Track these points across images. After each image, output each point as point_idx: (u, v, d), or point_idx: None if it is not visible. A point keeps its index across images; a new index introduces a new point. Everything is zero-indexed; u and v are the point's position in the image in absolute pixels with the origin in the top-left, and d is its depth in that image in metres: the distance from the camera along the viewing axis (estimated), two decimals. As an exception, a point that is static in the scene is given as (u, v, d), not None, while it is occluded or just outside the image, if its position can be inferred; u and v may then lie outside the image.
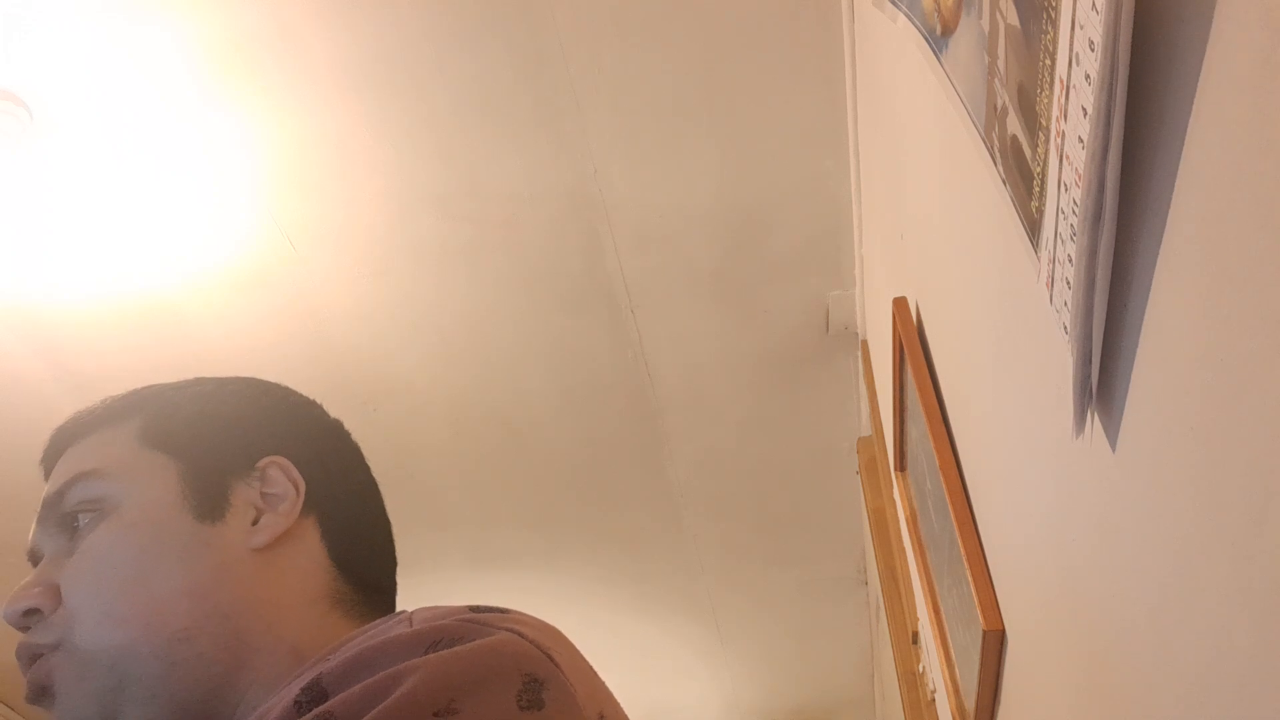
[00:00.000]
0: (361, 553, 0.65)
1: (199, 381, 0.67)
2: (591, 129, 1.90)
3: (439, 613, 0.50)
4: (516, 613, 0.52)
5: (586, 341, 2.31)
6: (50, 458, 0.64)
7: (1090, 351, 0.53)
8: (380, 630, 0.52)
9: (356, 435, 0.70)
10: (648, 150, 1.94)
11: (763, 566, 3.10)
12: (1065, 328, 0.56)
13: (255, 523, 0.60)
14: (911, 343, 1.30)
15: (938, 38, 0.83)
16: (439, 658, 0.44)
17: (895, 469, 1.68)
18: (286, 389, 0.69)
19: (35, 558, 0.61)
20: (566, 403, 2.45)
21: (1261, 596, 0.41)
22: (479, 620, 0.48)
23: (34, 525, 0.60)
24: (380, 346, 2.27)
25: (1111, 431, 0.56)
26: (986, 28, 0.66)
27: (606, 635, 3.31)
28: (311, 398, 0.69)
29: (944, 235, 1.06)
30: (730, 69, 1.82)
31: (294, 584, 0.60)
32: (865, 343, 2.24)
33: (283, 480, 0.62)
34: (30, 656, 0.56)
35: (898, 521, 1.82)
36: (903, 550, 1.84)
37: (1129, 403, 0.53)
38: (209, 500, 0.59)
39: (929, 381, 1.23)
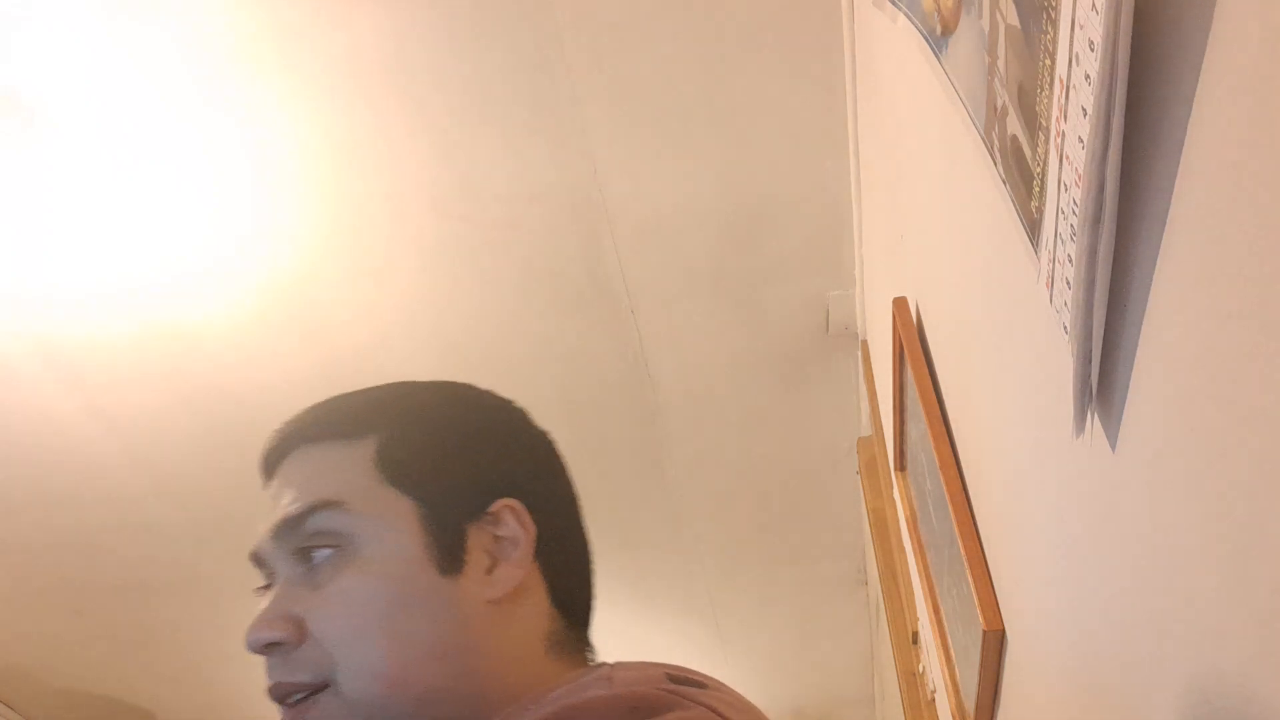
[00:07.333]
0: (579, 592, 0.66)
1: (425, 394, 0.65)
2: (591, 129, 1.90)
3: (638, 676, 0.51)
4: (715, 686, 0.53)
5: (586, 341, 2.31)
6: (275, 456, 0.62)
7: (1090, 351, 0.53)
8: (580, 686, 0.53)
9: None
10: (648, 150, 1.94)
11: (763, 566, 3.10)
12: (1065, 328, 0.56)
13: (490, 571, 0.59)
14: (911, 343, 1.30)
15: (938, 38, 0.83)
16: None
17: (895, 469, 1.68)
18: (502, 403, 0.67)
19: (261, 564, 0.60)
20: (566, 402, 2.45)
21: (1261, 596, 0.41)
22: (678, 692, 0.49)
23: (267, 534, 0.59)
24: (380, 346, 2.27)
25: (1111, 431, 0.56)
26: (986, 28, 0.66)
27: (606, 635, 3.30)
28: (516, 405, 0.68)
29: (944, 235, 1.06)
30: (730, 69, 1.82)
31: (522, 633, 0.60)
32: (865, 343, 2.23)
33: (514, 524, 0.61)
34: (286, 693, 0.55)
35: (898, 521, 1.82)
36: (903, 550, 1.84)
37: (1129, 403, 0.53)
38: (450, 552, 0.58)
39: (929, 381, 1.23)
